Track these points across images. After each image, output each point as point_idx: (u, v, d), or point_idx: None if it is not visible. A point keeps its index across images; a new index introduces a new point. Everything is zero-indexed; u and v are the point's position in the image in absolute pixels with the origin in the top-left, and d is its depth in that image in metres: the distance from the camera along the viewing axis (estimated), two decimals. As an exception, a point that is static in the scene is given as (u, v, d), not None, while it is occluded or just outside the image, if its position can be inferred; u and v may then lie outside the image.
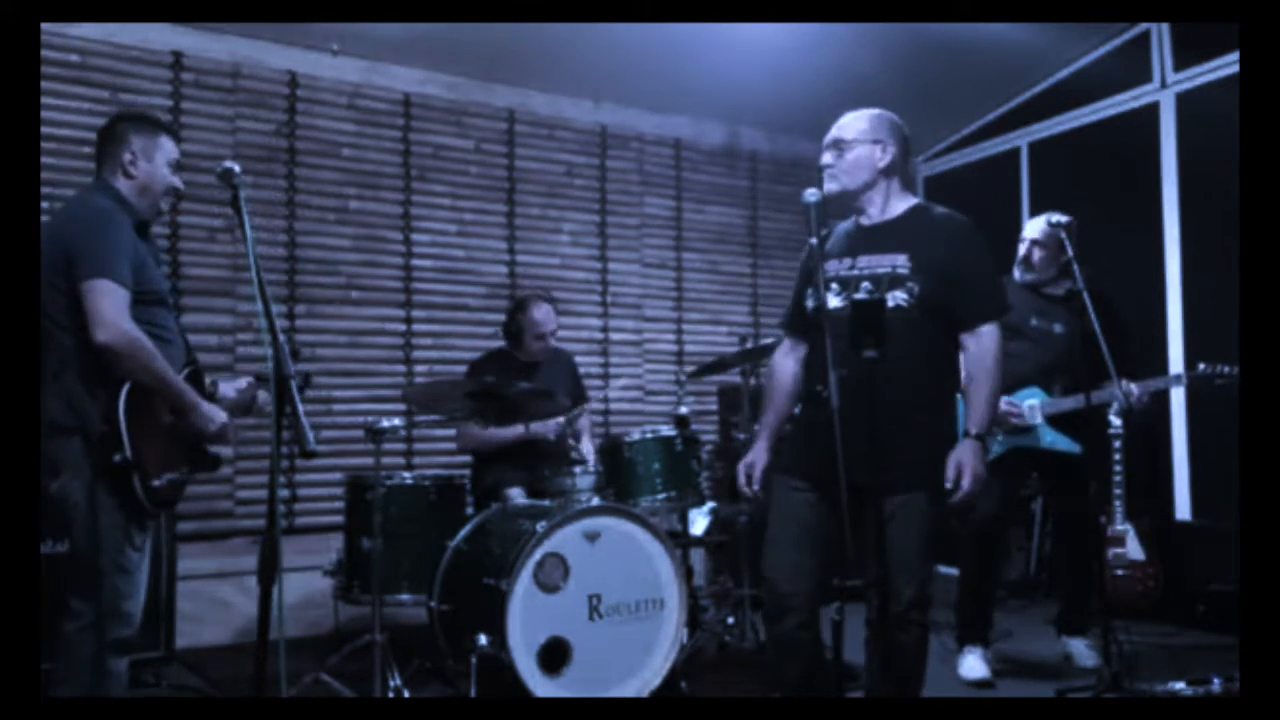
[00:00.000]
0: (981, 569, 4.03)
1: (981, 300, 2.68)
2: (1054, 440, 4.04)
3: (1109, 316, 3.83)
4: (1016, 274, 4.15)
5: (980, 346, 2.66)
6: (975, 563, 4.03)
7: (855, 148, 2.75)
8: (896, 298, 2.60)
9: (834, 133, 2.80)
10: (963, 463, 2.57)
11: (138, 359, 2.42)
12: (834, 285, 2.66)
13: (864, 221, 2.80)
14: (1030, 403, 4.06)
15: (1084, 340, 3.81)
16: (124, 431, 2.40)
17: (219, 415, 2.65)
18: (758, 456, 2.84)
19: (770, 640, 2.81)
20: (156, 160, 2.66)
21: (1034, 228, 4.11)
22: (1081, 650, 4.09)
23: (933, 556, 2.73)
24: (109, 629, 2.41)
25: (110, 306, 2.39)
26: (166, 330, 2.61)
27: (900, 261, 2.65)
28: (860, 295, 2.62)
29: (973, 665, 3.88)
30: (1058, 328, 4.04)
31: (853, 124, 2.78)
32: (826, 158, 2.79)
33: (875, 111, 2.81)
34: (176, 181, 2.72)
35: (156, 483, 2.47)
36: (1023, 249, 4.10)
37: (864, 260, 2.70)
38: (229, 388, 3.00)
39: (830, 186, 2.75)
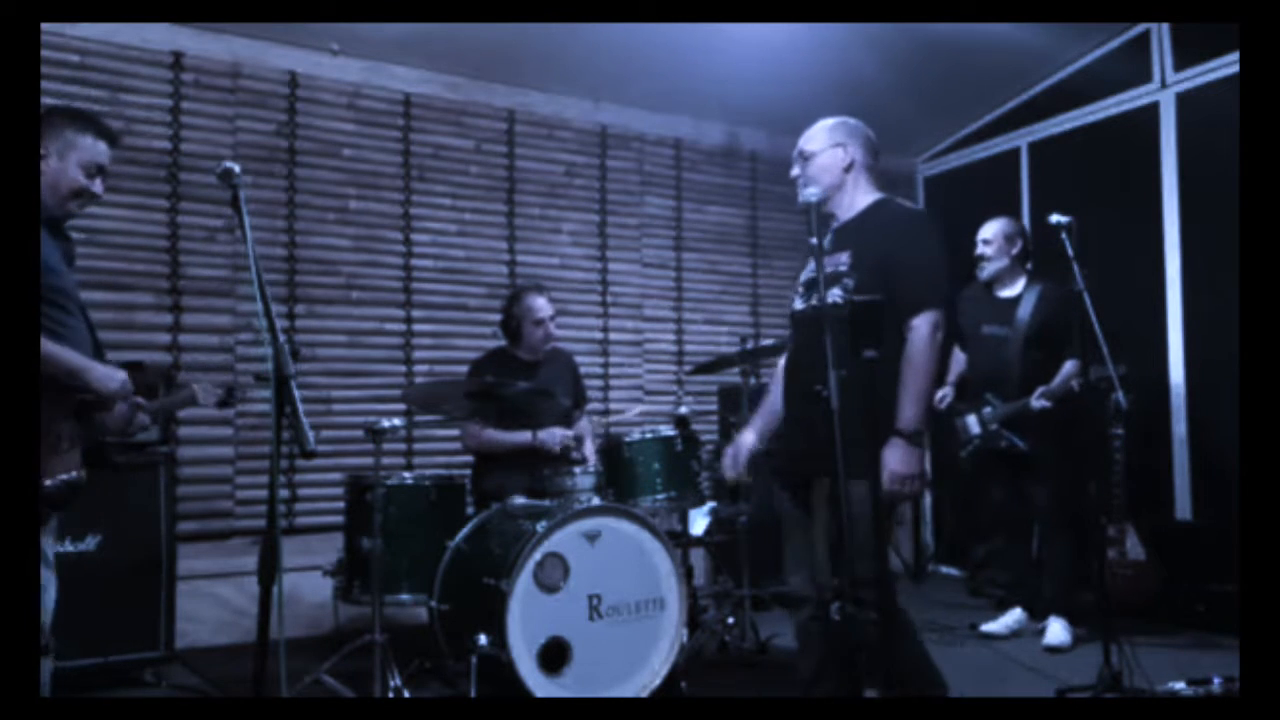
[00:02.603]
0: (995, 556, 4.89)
1: (911, 291, 2.63)
2: (1008, 443, 4.42)
3: (1064, 313, 4.06)
4: (979, 274, 4.61)
5: (910, 340, 2.62)
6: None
7: (819, 156, 2.83)
8: (834, 295, 2.63)
9: (798, 146, 2.88)
10: (885, 462, 2.56)
11: None
12: (800, 289, 2.85)
13: (834, 224, 2.87)
14: (970, 417, 4.56)
15: (1032, 340, 4.40)
16: None
17: (117, 372, 2.48)
18: (742, 439, 2.94)
19: (794, 631, 2.90)
20: (69, 160, 2.49)
21: (986, 228, 4.58)
22: (1058, 630, 4.32)
23: (873, 540, 2.69)
24: None
25: None
26: (63, 327, 2.44)
27: (843, 259, 2.71)
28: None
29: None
30: (1005, 331, 4.45)
31: (813, 135, 2.87)
32: (794, 170, 2.88)
33: (833, 120, 2.88)
34: (89, 185, 2.54)
35: (48, 484, 2.31)
36: (977, 249, 4.56)
37: (827, 260, 2.73)
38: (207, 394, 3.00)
39: (804, 195, 2.75)
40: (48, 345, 2.32)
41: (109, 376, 2.45)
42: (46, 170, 2.47)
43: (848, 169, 2.81)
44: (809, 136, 2.86)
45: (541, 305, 4.27)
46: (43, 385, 2.29)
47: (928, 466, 2.69)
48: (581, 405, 4.53)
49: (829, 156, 2.81)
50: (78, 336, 2.49)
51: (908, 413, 2.58)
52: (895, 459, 2.57)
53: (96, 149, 2.54)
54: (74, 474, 2.39)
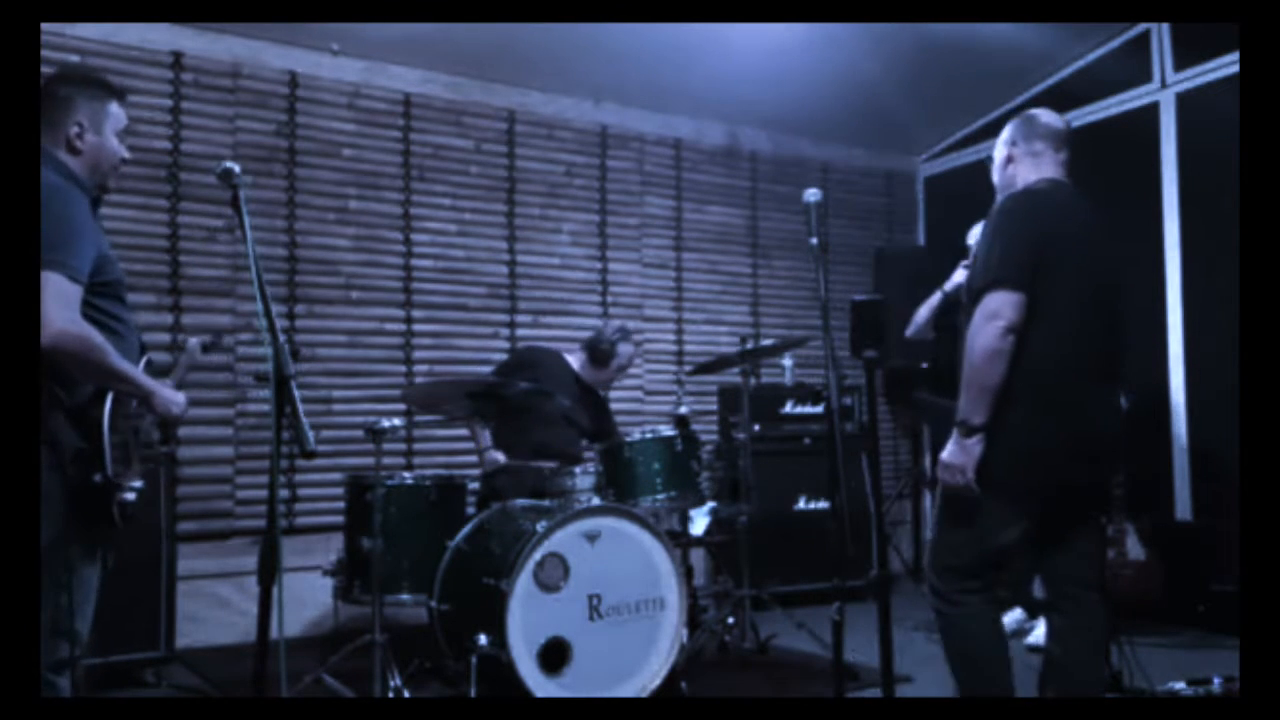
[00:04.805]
0: None
1: (973, 280, 2.62)
2: None
3: None
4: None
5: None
6: None
7: (995, 155, 2.89)
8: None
9: None
10: None
11: (88, 358, 2.18)
12: None
13: None
14: None
15: None
16: (107, 448, 2.21)
17: (179, 396, 2.44)
18: None
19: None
20: (105, 131, 2.37)
21: (975, 231, 4.46)
22: (1043, 632, 4.35)
23: (938, 533, 2.70)
24: (56, 648, 2.23)
25: (56, 303, 2.12)
26: (121, 324, 2.37)
27: None
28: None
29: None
30: None
31: None
32: None
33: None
34: (125, 152, 2.44)
35: (128, 496, 2.30)
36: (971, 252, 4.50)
37: None
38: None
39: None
40: (125, 365, 2.28)
41: (173, 401, 2.41)
42: (86, 146, 2.36)
43: (1007, 163, 2.82)
44: None
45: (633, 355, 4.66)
46: (117, 400, 2.29)
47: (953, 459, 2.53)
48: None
49: (998, 155, 2.86)
50: (131, 332, 2.45)
51: (960, 402, 2.54)
52: (947, 448, 2.56)
53: (122, 114, 2.45)
54: (142, 483, 2.38)
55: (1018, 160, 2.81)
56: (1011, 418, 2.50)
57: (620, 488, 3.80)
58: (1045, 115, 2.83)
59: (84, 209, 2.30)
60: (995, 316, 2.46)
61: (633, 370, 5.78)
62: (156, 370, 2.58)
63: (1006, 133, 2.87)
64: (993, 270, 2.51)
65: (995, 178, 2.88)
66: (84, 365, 2.21)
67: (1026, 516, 2.56)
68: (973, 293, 2.58)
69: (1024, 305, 2.47)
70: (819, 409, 5.56)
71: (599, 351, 4.45)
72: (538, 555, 3.25)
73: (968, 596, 2.60)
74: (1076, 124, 5.67)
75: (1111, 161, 5.44)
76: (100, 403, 2.25)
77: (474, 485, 4.24)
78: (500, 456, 4.18)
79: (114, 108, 2.42)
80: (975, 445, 2.49)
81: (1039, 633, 4.35)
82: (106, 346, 2.22)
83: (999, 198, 2.77)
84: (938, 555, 2.69)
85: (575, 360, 4.54)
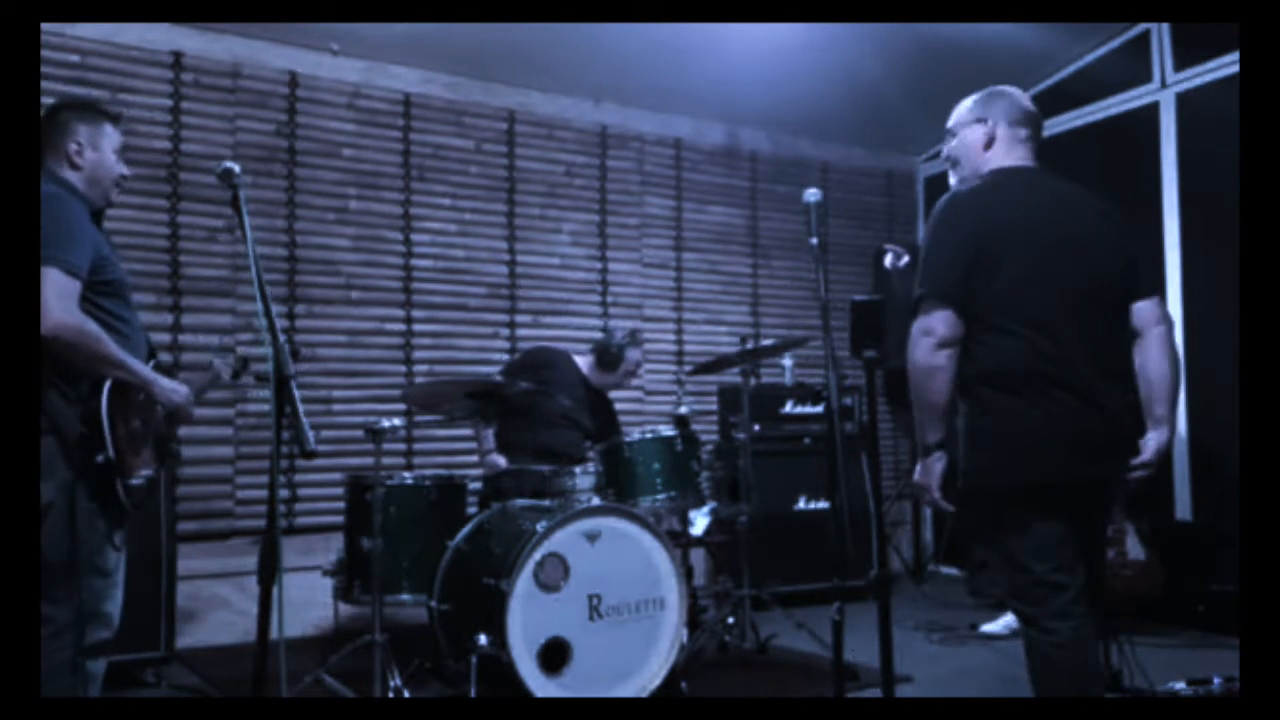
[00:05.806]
0: None
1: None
2: None
3: None
4: None
5: None
6: None
7: (960, 133, 2.62)
8: None
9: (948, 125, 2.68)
10: None
11: (86, 347, 2.31)
12: None
13: None
14: None
15: None
16: (106, 431, 2.33)
17: (182, 388, 2.59)
18: None
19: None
20: (103, 148, 2.56)
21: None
22: (996, 625, 4.59)
23: (979, 551, 2.62)
24: (88, 632, 2.34)
25: (54, 296, 2.25)
26: (124, 323, 2.49)
27: None
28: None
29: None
30: None
31: (957, 110, 2.65)
32: (944, 148, 2.69)
33: (982, 92, 2.64)
34: (125, 169, 2.63)
35: (135, 482, 2.41)
36: None
37: None
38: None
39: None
40: (123, 355, 2.40)
41: (173, 390, 2.56)
42: (84, 163, 2.53)
43: (988, 146, 2.58)
44: (954, 112, 2.64)
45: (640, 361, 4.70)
46: (119, 390, 2.40)
47: (925, 475, 2.48)
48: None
49: (969, 133, 2.59)
50: (136, 332, 2.54)
51: (916, 421, 2.48)
52: (916, 467, 2.54)
53: (117, 135, 2.62)
54: (151, 471, 2.50)
55: (1002, 145, 2.60)
56: (981, 421, 2.42)
57: (620, 488, 3.80)
58: (1021, 98, 2.62)
59: (81, 214, 2.42)
60: (927, 333, 2.39)
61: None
62: (162, 373, 2.62)
63: (983, 107, 2.62)
64: (920, 284, 2.43)
65: (963, 157, 2.66)
66: (82, 354, 2.32)
67: (1047, 512, 2.42)
68: (912, 304, 2.47)
69: (954, 319, 2.38)
70: (819, 409, 5.56)
71: (608, 355, 4.47)
72: (538, 555, 3.25)
73: (1060, 623, 2.38)
74: (1076, 124, 5.72)
75: (1111, 161, 5.45)
76: (99, 392, 2.35)
77: (475, 485, 4.25)
78: (501, 460, 4.17)
79: (109, 128, 2.60)
80: (936, 462, 2.44)
81: (1003, 621, 4.45)
82: (103, 336, 2.34)
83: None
84: (1008, 578, 2.50)
85: (584, 363, 4.57)
